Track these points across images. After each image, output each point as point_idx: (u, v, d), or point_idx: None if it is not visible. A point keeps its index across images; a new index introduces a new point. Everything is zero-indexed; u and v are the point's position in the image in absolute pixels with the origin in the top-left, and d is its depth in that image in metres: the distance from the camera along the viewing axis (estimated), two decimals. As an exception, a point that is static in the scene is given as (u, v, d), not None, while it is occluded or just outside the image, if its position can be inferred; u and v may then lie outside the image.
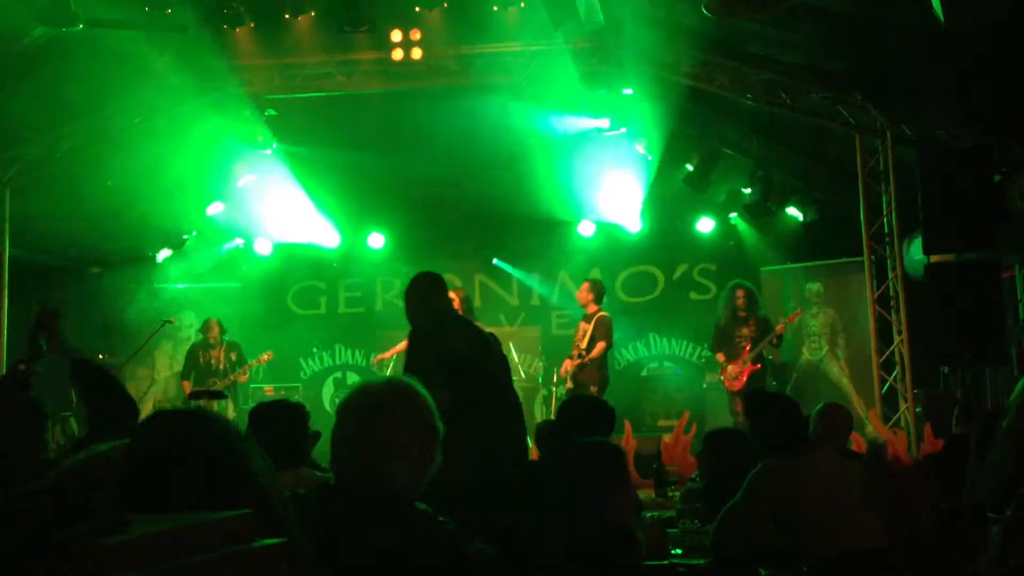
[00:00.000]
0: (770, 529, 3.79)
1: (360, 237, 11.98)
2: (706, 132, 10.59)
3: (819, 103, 9.08)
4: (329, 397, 12.00)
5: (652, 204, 11.22)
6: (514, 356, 10.03)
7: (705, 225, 11.55)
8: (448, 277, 5.56)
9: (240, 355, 10.29)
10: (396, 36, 9.06)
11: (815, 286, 10.58)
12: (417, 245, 11.69)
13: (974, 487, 4.11)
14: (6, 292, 9.86)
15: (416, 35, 9.05)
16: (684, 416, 8.07)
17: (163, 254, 11.57)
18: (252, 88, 9.61)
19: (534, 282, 12.14)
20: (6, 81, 8.06)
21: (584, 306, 9.17)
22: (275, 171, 10.96)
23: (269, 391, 10.42)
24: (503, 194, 10.74)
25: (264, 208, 11.44)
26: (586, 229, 11.59)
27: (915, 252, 8.86)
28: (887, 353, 9.23)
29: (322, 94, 9.86)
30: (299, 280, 12.38)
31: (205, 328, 10.31)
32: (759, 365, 9.13)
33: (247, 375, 10.36)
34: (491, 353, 4.78)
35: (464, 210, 11.37)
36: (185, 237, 11.35)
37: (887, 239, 9.28)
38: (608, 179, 11.04)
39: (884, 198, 9.24)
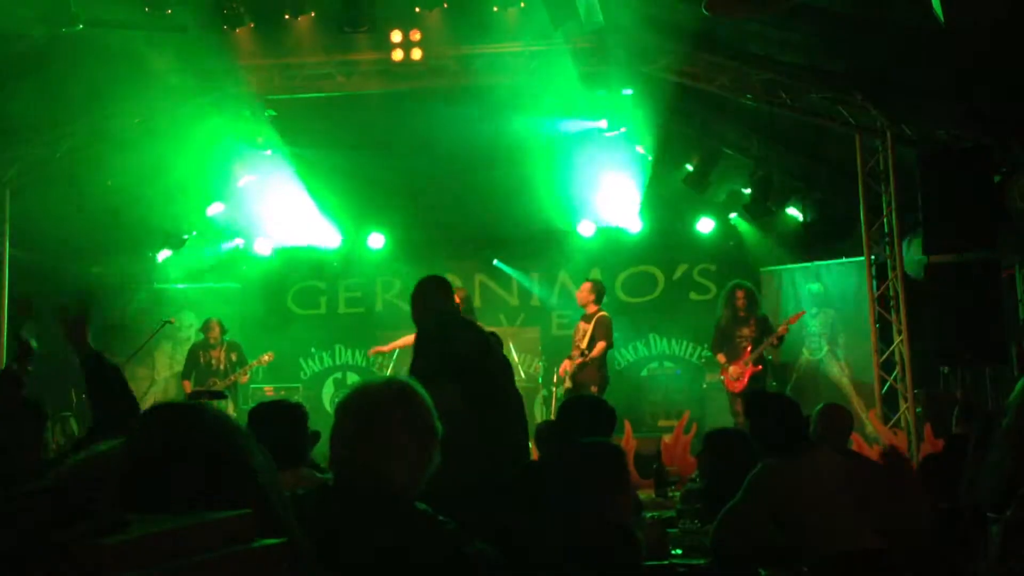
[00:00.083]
0: (770, 529, 3.79)
1: (360, 237, 11.97)
2: (706, 132, 10.59)
3: (819, 103, 9.08)
4: (329, 397, 11.99)
5: (652, 204, 11.22)
6: (514, 356, 10.03)
7: (705, 225, 11.54)
8: (448, 277, 5.59)
9: (240, 355, 10.30)
10: (396, 36, 9.05)
11: (815, 286, 10.58)
12: (417, 245, 11.69)
13: (972, 487, 4.11)
14: (6, 292, 9.86)
15: (416, 35, 9.04)
16: (684, 416, 8.06)
17: (163, 254, 11.57)
18: (252, 88, 9.61)
19: (533, 284, 12.14)
20: (6, 81, 8.05)
21: (584, 306, 9.17)
22: (275, 171, 10.96)
23: (269, 391, 10.42)
24: (503, 194, 10.74)
25: (264, 208, 11.45)
26: (586, 229, 11.58)
27: (915, 252, 8.86)
28: (887, 353, 9.23)
29: (322, 94, 9.86)
30: (299, 280, 12.38)
31: (206, 328, 10.32)
32: (760, 366, 9.13)
33: (248, 376, 10.37)
34: (491, 353, 4.81)
35: (464, 210, 11.36)
36: (185, 237, 11.34)
37: (887, 239, 9.28)
38: (608, 179, 11.04)
39: (884, 198, 9.24)
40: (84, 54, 7.84)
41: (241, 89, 9.57)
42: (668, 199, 11.15)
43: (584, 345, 8.90)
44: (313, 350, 12.22)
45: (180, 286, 11.64)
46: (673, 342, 11.94)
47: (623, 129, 10.49)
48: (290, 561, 1.38)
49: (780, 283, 10.89)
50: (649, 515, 4.46)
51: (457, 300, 7.03)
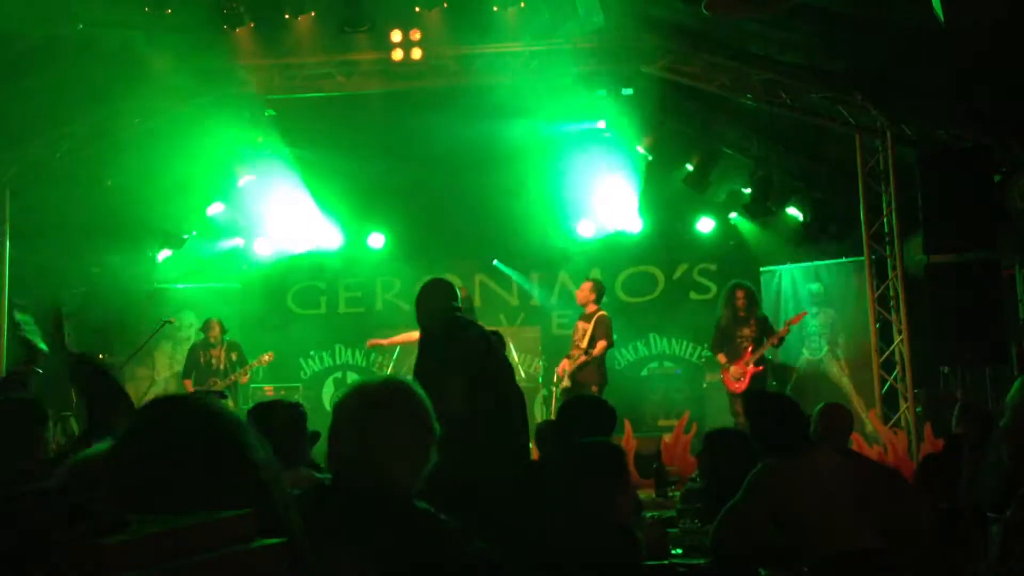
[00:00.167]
0: (770, 529, 3.78)
1: (360, 237, 11.96)
2: (706, 132, 10.59)
3: (819, 103, 9.08)
4: (329, 397, 11.98)
5: (652, 204, 11.21)
6: (514, 356, 10.02)
7: (705, 225, 11.54)
8: (448, 277, 5.62)
9: (241, 355, 10.30)
10: (396, 36, 9.06)
11: (815, 286, 10.58)
12: (417, 245, 11.68)
13: (972, 487, 4.11)
14: (6, 292, 9.86)
15: (416, 35, 9.05)
16: (684, 416, 8.08)
17: (163, 254, 11.56)
18: (252, 88, 9.61)
19: (533, 284, 12.13)
20: (6, 81, 8.06)
21: (584, 305, 9.17)
22: (275, 171, 10.96)
23: (269, 391, 10.41)
24: (503, 194, 10.73)
25: (264, 208, 11.44)
26: (586, 229, 11.58)
27: (915, 252, 8.86)
28: (887, 353, 9.23)
29: (322, 94, 9.86)
30: (299, 280, 12.37)
31: (206, 328, 10.32)
32: (761, 367, 9.13)
33: (248, 375, 10.37)
34: (491, 352, 4.84)
35: (464, 210, 11.35)
36: (185, 237, 11.34)
37: (887, 239, 9.28)
38: (608, 179, 11.04)
39: (884, 198, 9.25)
40: (84, 54, 7.85)
41: (241, 89, 9.58)
42: (668, 199, 11.15)
43: (584, 344, 8.90)
44: (313, 350, 12.22)
45: (180, 286, 11.64)
46: (673, 342, 11.94)
47: (623, 129, 10.49)
48: (290, 561, 1.38)
49: (780, 283, 10.88)
50: (649, 515, 4.46)
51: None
